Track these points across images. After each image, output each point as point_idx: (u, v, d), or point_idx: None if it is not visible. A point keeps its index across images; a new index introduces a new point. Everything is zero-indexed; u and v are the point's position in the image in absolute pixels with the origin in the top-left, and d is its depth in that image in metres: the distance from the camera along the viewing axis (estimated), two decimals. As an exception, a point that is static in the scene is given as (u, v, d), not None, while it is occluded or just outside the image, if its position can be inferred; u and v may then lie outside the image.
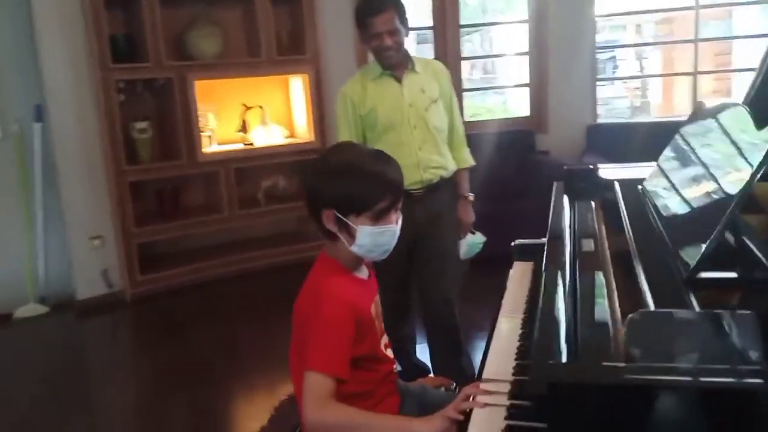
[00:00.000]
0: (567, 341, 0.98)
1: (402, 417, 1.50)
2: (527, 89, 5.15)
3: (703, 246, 1.04)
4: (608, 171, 2.02)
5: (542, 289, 1.21)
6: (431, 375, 2.77)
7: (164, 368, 3.44)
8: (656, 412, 0.78)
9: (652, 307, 0.98)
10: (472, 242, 2.80)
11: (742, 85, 8.43)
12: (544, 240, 2.12)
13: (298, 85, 4.79)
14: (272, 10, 4.48)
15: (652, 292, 1.03)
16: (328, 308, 1.36)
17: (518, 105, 5.64)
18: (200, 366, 3.38)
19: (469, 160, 2.76)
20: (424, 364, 2.86)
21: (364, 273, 1.53)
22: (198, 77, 4.33)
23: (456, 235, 2.73)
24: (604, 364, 0.81)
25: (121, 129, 4.15)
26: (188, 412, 2.98)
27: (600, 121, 5.19)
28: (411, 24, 2.57)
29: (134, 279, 4.30)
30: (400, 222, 1.45)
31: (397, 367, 1.61)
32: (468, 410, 1.27)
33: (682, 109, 8.38)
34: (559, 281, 1.26)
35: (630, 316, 0.92)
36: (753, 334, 0.84)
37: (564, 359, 0.93)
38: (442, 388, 1.74)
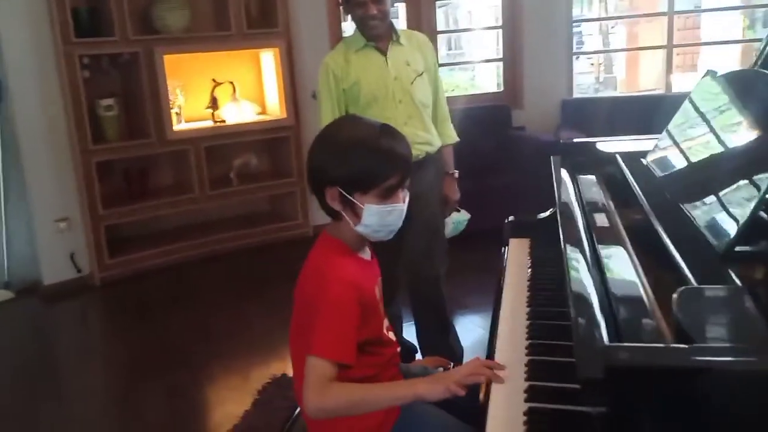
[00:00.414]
0: (606, 322, 0.94)
1: (402, 381, 1.47)
2: (495, 65, 5.09)
3: (740, 219, 1.00)
4: (606, 144, 1.98)
5: (566, 268, 1.16)
6: (419, 356, 2.75)
7: (137, 353, 3.33)
8: (719, 395, 0.74)
9: (693, 283, 0.94)
10: (458, 220, 2.76)
11: (707, 60, 8.56)
12: (540, 216, 2.11)
13: (269, 60, 4.65)
14: (241, -20, 4.33)
15: (689, 268, 0.99)
16: (335, 290, 1.31)
17: (487, 80, 5.59)
18: (174, 351, 3.28)
19: (454, 136, 2.70)
20: (411, 343, 2.82)
21: (367, 254, 1.47)
22: (166, 52, 4.17)
23: (442, 213, 2.68)
24: (670, 346, 0.77)
25: (86, 107, 3.98)
26: (164, 398, 2.88)
27: (575, 95, 5.18)
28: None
29: (103, 262, 4.16)
30: (407, 201, 1.38)
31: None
32: (469, 385, 1.26)
33: (648, 84, 8.45)
34: (581, 258, 1.22)
35: (676, 294, 0.87)
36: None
37: (606, 341, 0.88)
38: (441, 369, 1.70)
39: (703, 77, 1.57)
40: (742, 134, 1.24)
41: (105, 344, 3.66)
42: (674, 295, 0.87)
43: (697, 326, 0.80)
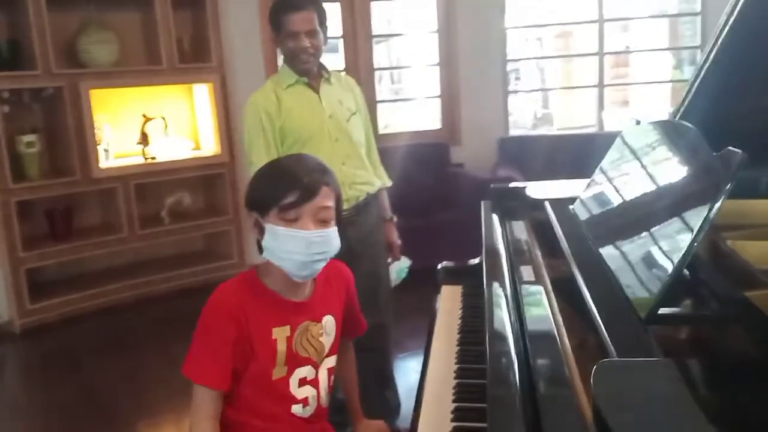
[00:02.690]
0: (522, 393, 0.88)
1: None
2: (438, 101, 5.12)
3: (662, 279, 0.96)
4: (538, 189, 1.95)
5: (486, 331, 1.10)
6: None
7: (60, 408, 3.11)
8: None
9: (612, 350, 0.89)
10: (401, 267, 2.64)
11: (638, 97, 8.85)
12: (472, 262, 2.06)
13: (203, 95, 4.54)
14: (173, 15, 4.23)
15: (609, 332, 0.94)
16: (205, 312, 1.29)
17: (430, 117, 5.61)
18: (100, 405, 3.08)
19: (387, 180, 2.61)
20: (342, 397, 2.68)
21: (295, 294, 1.33)
22: (92, 86, 4.02)
23: (386, 258, 2.57)
24: None
25: (6, 143, 3.79)
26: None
27: (511, 133, 5.23)
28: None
29: (23, 308, 3.93)
30: (325, 233, 1.26)
31: (305, 413, 1.37)
32: None
33: (583, 120, 8.67)
34: (502, 303, 1.17)
35: (596, 366, 0.82)
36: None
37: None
38: None
39: (627, 126, 1.56)
40: (661, 186, 1.21)
41: (24, 398, 3.40)
42: (593, 370, 0.81)
43: (611, 402, 0.74)
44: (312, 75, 2.34)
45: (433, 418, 1.30)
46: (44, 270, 4.16)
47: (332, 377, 1.43)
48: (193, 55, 4.46)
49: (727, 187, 0.96)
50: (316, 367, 1.36)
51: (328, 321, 1.38)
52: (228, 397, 1.30)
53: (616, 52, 7.02)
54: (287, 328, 1.31)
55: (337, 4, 4.72)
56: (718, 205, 0.95)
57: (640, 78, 8.45)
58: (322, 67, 2.38)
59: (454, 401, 1.31)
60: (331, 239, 1.27)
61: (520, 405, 0.88)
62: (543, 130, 9.56)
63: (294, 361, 1.32)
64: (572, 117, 9.71)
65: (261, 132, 2.28)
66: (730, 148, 1.01)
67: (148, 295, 4.27)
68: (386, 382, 2.61)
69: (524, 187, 1.96)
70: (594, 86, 5.10)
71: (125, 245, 4.27)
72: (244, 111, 2.36)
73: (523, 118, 10.87)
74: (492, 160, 4.87)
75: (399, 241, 2.61)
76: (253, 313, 1.28)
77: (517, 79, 11.61)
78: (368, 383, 2.55)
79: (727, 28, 1.36)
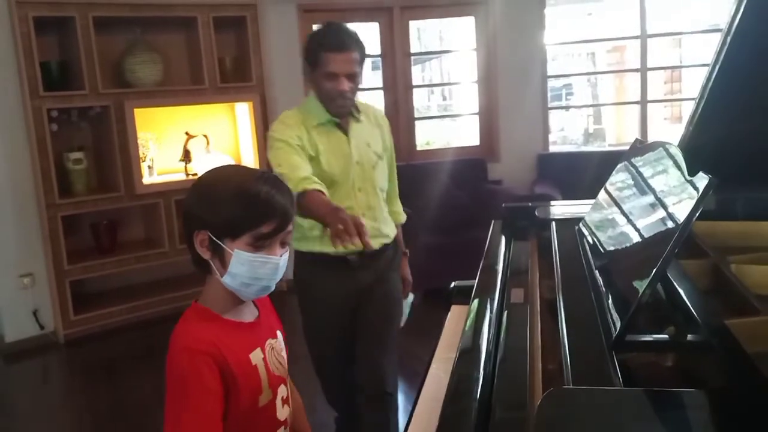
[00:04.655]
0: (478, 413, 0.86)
1: None
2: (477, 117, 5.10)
3: (631, 305, 0.93)
4: (550, 209, 1.91)
5: (457, 349, 1.09)
6: None
7: (99, 416, 3.22)
8: None
9: (570, 376, 0.86)
10: (408, 302, 2.50)
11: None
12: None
13: (244, 113, 4.65)
14: (215, 35, 4.36)
15: (571, 358, 0.91)
16: (178, 362, 1.16)
17: (473, 133, 5.59)
18: (136, 415, 3.16)
19: (403, 215, 2.47)
20: None
21: (247, 315, 1.30)
22: (137, 105, 4.16)
23: (399, 296, 2.38)
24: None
25: (54, 160, 3.96)
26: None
27: (551, 149, 5.16)
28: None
29: (67, 319, 4.07)
30: (285, 257, 1.25)
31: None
32: None
33: (633, 137, 8.48)
34: (483, 337, 1.15)
35: (545, 394, 0.79)
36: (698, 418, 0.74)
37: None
38: None
39: (631, 145, 1.51)
40: (645, 210, 1.17)
41: (65, 405, 3.52)
42: (542, 397, 0.79)
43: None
44: (344, 115, 2.16)
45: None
46: (88, 283, 4.31)
47: None
48: (234, 75, 4.57)
49: (695, 213, 0.91)
50: (286, 384, 1.34)
51: (279, 335, 1.37)
52: None
53: (660, 68, 6.85)
54: (258, 350, 1.27)
55: (376, 24, 4.77)
56: (683, 231, 0.91)
57: (693, 93, 8.23)
58: (353, 105, 2.19)
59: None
60: (286, 260, 1.27)
61: (473, 425, 0.86)
62: (594, 146, 9.38)
63: (274, 381, 1.29)
64: (623, 134, 9.52)
65: (291, 148, 2.03)
66: (701, 172, 0.96)
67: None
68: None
69: (534, 207, 1.93)
70: (636, 102, 4.98)
71: (166, 259, 4.38)
72: (272, 130, 2.12)
73: (573, 134, 10.71)
74: (531, 177, 4.81)
75: (410, 278, 2.47)
76: (226, 347, 1.20)
77: (569, 94, 11.47)
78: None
79: (726, 46, 1.31)
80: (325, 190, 1.86)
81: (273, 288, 1.26)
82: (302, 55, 2.13)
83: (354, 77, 2.07)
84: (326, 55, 2.02)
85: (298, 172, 1.91)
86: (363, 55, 2.10)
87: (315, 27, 2.16)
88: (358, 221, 1.57)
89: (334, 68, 2.03)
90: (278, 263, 1.22)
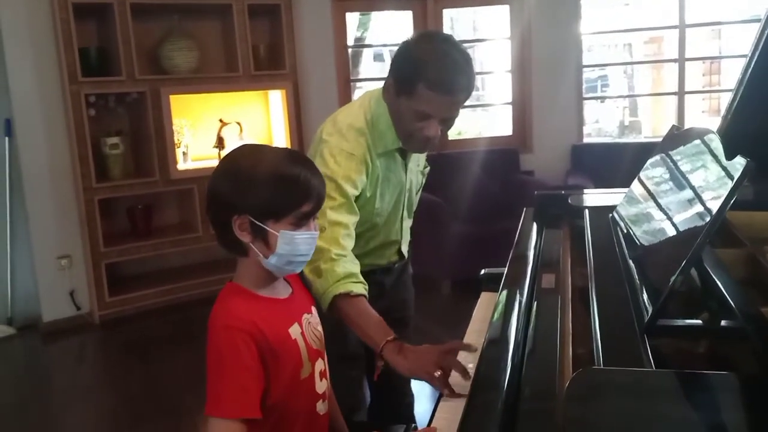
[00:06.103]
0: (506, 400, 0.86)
1: None
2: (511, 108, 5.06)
3: (663, 291, 0.92)
4: (583, 197, 1.90)
5: (486, 336, 1.09)
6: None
7: (130, 396, 3.28)
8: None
9: (601, 358, 0.86)
10: None
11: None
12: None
13: (277, 100, 4.68)
14: (249, 23, 4.39)
15: (603, 341, 0.90)
16: (220, 339, 1.21)
17: (506, 123, 5.55)
18: (168, 396, 3.22)
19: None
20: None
21: (281, 291, 1.33)
22: (172, 92, 4.21)
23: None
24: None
25: (91, 144, 4.03)
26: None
27: (586, 140, 5.10)
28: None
29: (103, 300, 4.16)
30: (318, 230, 1.30)
31: (323, 409, 1.37)
32: None
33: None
34: (512, 324, 1.14)
35: (573, 375, 0.79)
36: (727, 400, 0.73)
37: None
38: None
39: (668, 132, 1.49)
40: (680, 196, 1.16)
41: (99, 385, 3.61)
42: (572, 377, 0.79)
43: (582, 413, 0.72)
44: None
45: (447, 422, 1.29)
46: (123, 265, 4.39)
47: None
48: (268, 63, 4.60)
49: (730, 199, 0.90)
50: (323, 357, 1.37)
51: (314, 309, 1.41)
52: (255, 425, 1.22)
53: (699, 58, 6.70)
54: (296, 324, 1.31)
55: (409, 12, 4.75)
56: (718, 216, 0.90)
57: (732, 85, 8.04)
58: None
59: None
60: None
61: (500, 412, 0.86)
62: (630, 138, 9.25)
63: (313, 354, 1.33)
64: (660, 125, 9.36)
65: (347, 200, 1.67)
66: (738, 157, 0.94)
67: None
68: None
69: (567, 195, 1.91)
70: (674, 93, 4.89)
71: (199, 244, 4.43)
72: (332, 154, 1.72)
73: (609, 126, 10.56)
74: (564, 168, 4.77)
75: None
76: (265, 323, 1.24)
77: (605, 86, 11.30)
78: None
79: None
80: (366, 293, 1.55)
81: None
82: (391, 65, 1.67)
83: (448, 122, 1.66)
84: (426, 92, 1.56)
85: (338, 266, 1.56)
86: (470, 95, 1.64)
87: (410, 34, 1.74)
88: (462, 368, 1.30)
89: (429, 110, 1.59)
90: (315, 236, 1.28)
